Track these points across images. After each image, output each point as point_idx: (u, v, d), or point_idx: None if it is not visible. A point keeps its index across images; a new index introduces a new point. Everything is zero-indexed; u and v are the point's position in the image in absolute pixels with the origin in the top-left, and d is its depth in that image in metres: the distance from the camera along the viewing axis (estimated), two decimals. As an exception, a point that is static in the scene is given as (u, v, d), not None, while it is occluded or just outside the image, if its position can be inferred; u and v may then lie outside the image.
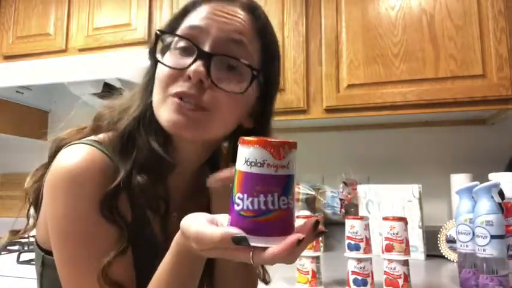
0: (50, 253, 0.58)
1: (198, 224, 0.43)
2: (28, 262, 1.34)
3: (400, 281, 0.91)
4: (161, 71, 0.57)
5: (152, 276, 0.52)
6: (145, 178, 0.56)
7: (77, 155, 0.54)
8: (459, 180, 1.38)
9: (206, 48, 0.55)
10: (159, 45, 0.60)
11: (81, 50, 1.79)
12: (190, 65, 0.53)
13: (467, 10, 1.34)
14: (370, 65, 1.41)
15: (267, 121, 0.65)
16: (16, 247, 1.64)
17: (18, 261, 1.34)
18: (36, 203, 0.64)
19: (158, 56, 0.58)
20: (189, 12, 0.60)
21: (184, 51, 0.56)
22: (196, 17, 0.58)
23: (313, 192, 1.55)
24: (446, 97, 1.32)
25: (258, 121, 0.63)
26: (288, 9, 1.52)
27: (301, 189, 1.54)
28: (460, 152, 1.61)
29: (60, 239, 0.54)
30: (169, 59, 0.57)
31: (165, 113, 0.55)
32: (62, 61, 1.75)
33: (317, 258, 1.01)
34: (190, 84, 0.54)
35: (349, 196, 1.51)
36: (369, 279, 0.93)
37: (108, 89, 1.81)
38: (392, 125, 1.67)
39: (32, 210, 0.68)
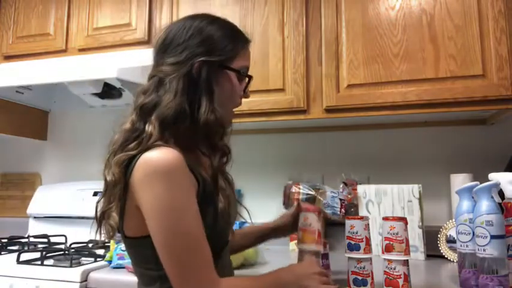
0: (147, 236, 0.74)
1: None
2: (28, 262, 1.34)
3: (400, 281, 0.91)
4: (233, 90, 0.88)
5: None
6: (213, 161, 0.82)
7: (168, 153, 0.73)
8: (459, 180, 1.38)
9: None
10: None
11: (81, 50, 1.79)
12: (245, 89, 0.93)
13: (467, 10, 1.34)
14: (370, 65, 1.41)
15: None
16: (16, 247, 1.64)
17: (18, 261, 1.34)
18: (122, 191, 0.76)
19: (236, 81, 0.89)
20: (243, 48, 0.90)
21: (239, 79, 0.89)
22: (247, 59, 0.91)
23: (313, 192, 1.55)
24: (446, 97, 1.32)
25: None
26: (288, 9, 1.52)
27: (301, 189, 1.54)
28: (460, 152, 1.61)
29: (169, 215, 0.71)
30: (237, 83, 0.89)
31: (231, 118, 0.92)
32: (62, 61, 1.74)
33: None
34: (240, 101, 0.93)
35: (349, 196, 1.51)
36: (369, 279, 0.93)
37: (108, 89, 1.81)
38: (392, 125, 1.67)
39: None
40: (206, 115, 0.78)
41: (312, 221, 0.99)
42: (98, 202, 0.82)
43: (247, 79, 0.92)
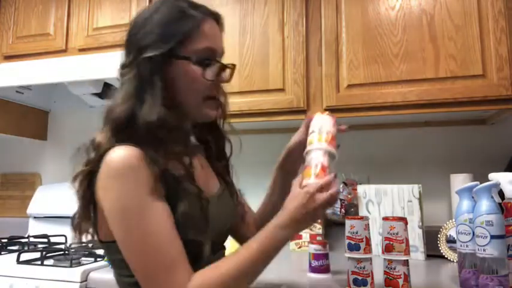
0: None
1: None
2: (28, 262, 1.34)
3: (400, 281, 0.91)
4: (195, 79, 0.77)
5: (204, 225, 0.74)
6: (177, 152, 0.75)
7: (125, 151, 0.69)
8: (459, 180, 1.38)
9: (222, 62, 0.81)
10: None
11: (81, 50, 1.79)
12: (218, 75, 0.81)
13: (467, 10, 1.34)
14: (370, 65, 1.41)
15: None
16: (16, 247, 1.64)
17: (18, 261, 1.34)
18: (88, 201, 0.74)
19: (195, 68, 0.77)
20: (197, 27, 0.77)
21: (206, 65, 0.78)
22: (209, 39, 0.78)
23: (313, 192, 1.55)
24: (446, 97, 1.32)
25: None
26: (288, 9, 1.52)
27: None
28: (460, 152, 1.61)
29: (127, 215, 0.67)
30: (199, 71, 0.77)
31: (206, 110, 0.81)
32: (62, 61, 1.74)
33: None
34: (216, 89, 0.82)
35: (349, 196, 1.51)
36: (369, 279, 0.93)
37: (108, 89, 1.81)
38: (392, 125, 1.67)
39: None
40: (144, 117, 0.71)
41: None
42: (75, 213, 0.79)
43: (211, 62, 0.79)
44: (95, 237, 0.78)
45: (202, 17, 0.78)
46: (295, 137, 0.97)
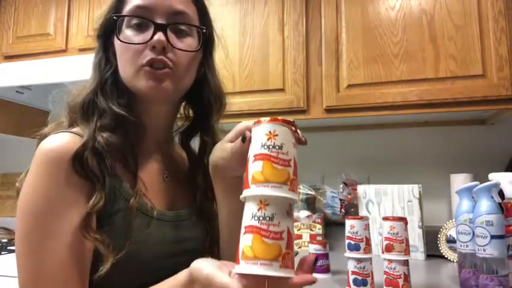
0: None
1: (209, 269, 0.48)
2: (28, 262, 1.34)
3: (400, 281, 0.91)
4: (126, 48, 0.64)
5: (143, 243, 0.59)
6: (109, 136, 0.61)
7: (53, 140, 0.60)
8: (459, 180, 1.38)
9: (158, 21, 0.63)
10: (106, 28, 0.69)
11: (81, 50, 1.79)
12: (152, 37, 0.62)
13: (467, 10, 1.34)
14: (370, 65, 1.41)
15: (211, 73, 0.74)
16: (16, 247, 1.64)
17: (18, 261, 1.34)
18: None
19: (119, 37, 0.65)
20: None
21: (138, 28, 0.64)
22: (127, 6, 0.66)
23: (313, 192, 1.55)
24: (446, 97, 1.32)
25: (201, 73, 0.73)
26: (288, 9, 1.52)
27: (301, 189, 1.54)
28: (460, 152, 1.61)
29: (30, 210, 0.56)
30: (129, 37, 0.64)
31: (142, 81, 0.63)
32: (62, 61, 1.75)
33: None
34: (156, 53, 0.62)
35: (349, 196, 1.51)
36: (369, 279, 0.93)
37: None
38: (392, 125, 1.67)
39: None
40: (89, 96, 0.68)
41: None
42: None
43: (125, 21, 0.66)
44: None
45: None
46: (220, 153, 0.62)
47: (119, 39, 0.65)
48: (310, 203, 1.58)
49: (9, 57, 1.90)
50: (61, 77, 1.68)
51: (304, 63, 1.48)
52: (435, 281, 1.10)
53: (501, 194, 1.01)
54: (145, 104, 0.67)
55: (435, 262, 1.31)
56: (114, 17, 0.66)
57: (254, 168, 0.48)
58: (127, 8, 0.65)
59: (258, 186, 0.47)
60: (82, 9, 1.82)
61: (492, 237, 0.87)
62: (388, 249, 0.93)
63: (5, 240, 1.69)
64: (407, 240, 0.93)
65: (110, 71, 0.68)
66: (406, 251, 0.92)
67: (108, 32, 0.69)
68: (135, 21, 0.65)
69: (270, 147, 0.48)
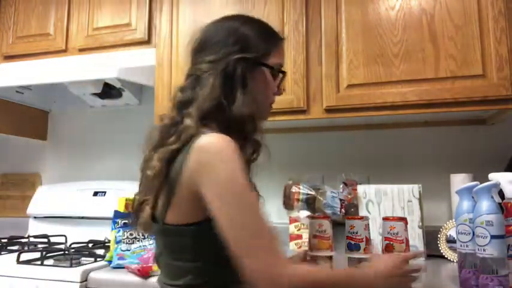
0: (191, 225, 0.76)
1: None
2: (28, 262, 1.34)
3: (400, 281, 0.91)
4: (272, 88, 0.92)
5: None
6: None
7: (221, 137, 0.76)
8: (459, 180, 1.38)
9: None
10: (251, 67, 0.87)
11: (81, 50, 1.79)
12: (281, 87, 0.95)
13: (467, 10, 1.34)
14: (370, 65, 1.41)
15: None
16: (16, 247, 1.64)
17: (18, 261, 1.34)
18: (163, 180, 0.78)
19: (269, 77, 0.91)
20: (276, 46, 0.93)
21: (273, 77, 0.92)
22: (281, 57, 0.94)
23: (313, 192, 1.55)
24: (446, 97, 1.32)
25: None
26: (288, 9, 1.52)
27: (301, 189, 1.54)
28: (460, 152, 1.61)
29: (237, 192, 0.73)
30: (276, 82, 0.93)
31: (268, 114, 0.96)
32: (62, 61, 1.75)
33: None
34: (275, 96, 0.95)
35: (349, 196, 1.51)
36: (369, 279, 0.93)
37: (108, 89, 1.81)
38: (392, 125, 1.66)
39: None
40: (240, 109, 0.81)
41: (326, 227, 0.99)
42: (135, 195, 0.87)
43: (281, 76, 0.94)
44: (157, 220, 0.80)
45: (281, 39, 0.95)
46: None
47: (277, 83, 0.93)
48: (310, 203, 1.58)
49: (9, 57, 1.90)
50: (61, 77, 1.68)
51: (304, 63, 1.48)
52: (435, 281, 1.10)
53: (501, 194, 1.01)
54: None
55: (435, 262, 1.31)
56: (281, 73, 0.93)
57: None
58: (275, 61, 0.91)
59: None
60: (82, 9, 1.82)
61: (492, 237, 0.88)
62: (388, 249, 0.93)
63: (5, 240, 1.68)
64: (407, 240, 0.93)
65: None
66: (406, 251, 0.92)
67: (253, 61, 0.87)
68: (280, 73, 0.93)
69: None
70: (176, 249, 0.80)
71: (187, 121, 0.79)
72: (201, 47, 0.89)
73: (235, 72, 0.83)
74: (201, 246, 0.77)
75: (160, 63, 1.63)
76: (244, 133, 0.84)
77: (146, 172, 0.81)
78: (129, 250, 1.30)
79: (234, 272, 0.72)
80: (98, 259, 1.36)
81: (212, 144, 0.75)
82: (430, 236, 1.37)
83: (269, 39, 0.92)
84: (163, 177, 0.77)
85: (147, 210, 0.81)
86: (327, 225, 0.99)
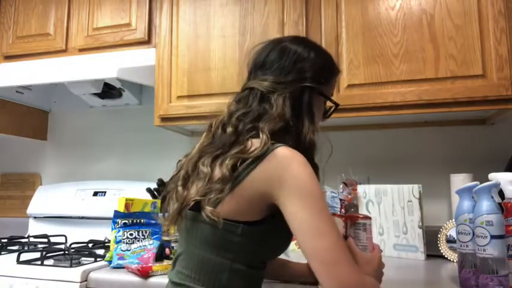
0: (242, 222, 0.79)
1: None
2: (28, 262, 1.34)
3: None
4: (321, 116, 0.99)
5: None
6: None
7: (294, 150, 0.81)
8: (459, 180, 1.38)
9: None
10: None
11: (81, 50, 1.79)
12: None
13: (467, 10, 1.34)
14: (370, 65, 1.41)
15: None
16: (16, 247, 1.64)
17: (18, 261, 1.34)
18: (228, 182, 0.80)
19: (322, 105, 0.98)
20: (334, 77, 0.99)
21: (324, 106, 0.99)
22: (334, 86, 1.01)
23: (313, 192, 1.55)
24: (446, 97, 1.32)
25: None
26: (288, 9, 1.52)
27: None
28: (460, 152, 1.61)
29: (313, 198, 0.78)
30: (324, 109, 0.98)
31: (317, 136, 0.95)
32: (62, 61, 1.75)
33: None
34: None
35: (349, 196, 1.51)
36: (369, 279, 0.93)
37: (108, 89, 1.81)
38: (392, 125, 1.67)
39: None
40: (309, 135, 0.89)
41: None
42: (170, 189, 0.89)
43: (330, 105, 0.99)
44: (209, 215, 0.79)
45: (339, 72, 1.00)
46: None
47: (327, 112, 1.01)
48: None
49: (9, 57, 1.90)
50: (61, 77, 1.68)
51: (304, 63, 1.48)
52: (435, 281, 1.10)
53: (501, 194, 1.01)
54: None
55: (435, 262, 1.31)
56: (335, 104, 0.98)
57: None
58: (329, 91, 0.97)
59: None
60: (82, 9, 1.82)
61: (492, 237, 0.88)
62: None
63: (5, 240, 1.68)
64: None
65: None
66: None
67: (317, 89, 0.92)
68: (333, 103, 0.97)
69: None
70: (219, 243, 0.80)
71: (264, 137, 0.82)
72: (265, 64, 0.92)
73: (303, 98, 0.89)
74: (245, 246, 0.79)
75: (160, 63, 1.64)
76: (310, 157, 0.89)
77: (213, 172, 0.81)
78: (129, 250, 1.30)
79: (261, 278, 0.81)
80: (98, 259, 1.35)
81: (291, 151, 0.79)
82: (430, 236, 1.37)
83: (332, 71, 0.97)
84: (228, 180, 0.79)
85: (207, 208, 0.79)
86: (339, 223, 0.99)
